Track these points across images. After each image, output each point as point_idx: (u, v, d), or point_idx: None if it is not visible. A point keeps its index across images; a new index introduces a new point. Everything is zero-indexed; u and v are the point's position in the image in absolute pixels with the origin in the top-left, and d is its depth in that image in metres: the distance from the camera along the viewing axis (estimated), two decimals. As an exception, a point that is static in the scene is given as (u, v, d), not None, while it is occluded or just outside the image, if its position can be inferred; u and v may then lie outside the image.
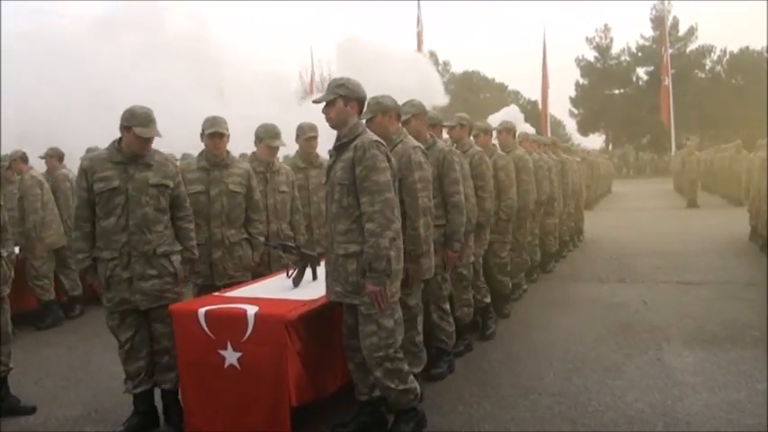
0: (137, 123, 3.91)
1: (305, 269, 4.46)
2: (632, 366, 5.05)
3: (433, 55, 51.88)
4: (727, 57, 48.58)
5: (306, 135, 5.82)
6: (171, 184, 4.08)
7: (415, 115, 4.73)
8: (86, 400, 4.77)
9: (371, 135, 3.66)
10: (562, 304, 7.28)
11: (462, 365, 5.12)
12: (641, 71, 52.56)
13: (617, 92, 53.78)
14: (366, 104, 4.21)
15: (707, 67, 49.33)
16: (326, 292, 3.80)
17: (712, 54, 49.17)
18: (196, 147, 5.00)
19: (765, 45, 45.16)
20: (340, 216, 3.63)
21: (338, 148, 3.70)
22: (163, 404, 4.19)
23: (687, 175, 20.59)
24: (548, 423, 4.06)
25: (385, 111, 4.18)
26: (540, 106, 45.85)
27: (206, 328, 3.77)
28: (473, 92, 55.94)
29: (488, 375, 4.95)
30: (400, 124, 4.33)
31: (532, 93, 52.25)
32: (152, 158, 4.05)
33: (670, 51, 40.83)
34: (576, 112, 55.84)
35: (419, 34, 41.53)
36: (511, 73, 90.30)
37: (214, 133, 4.61)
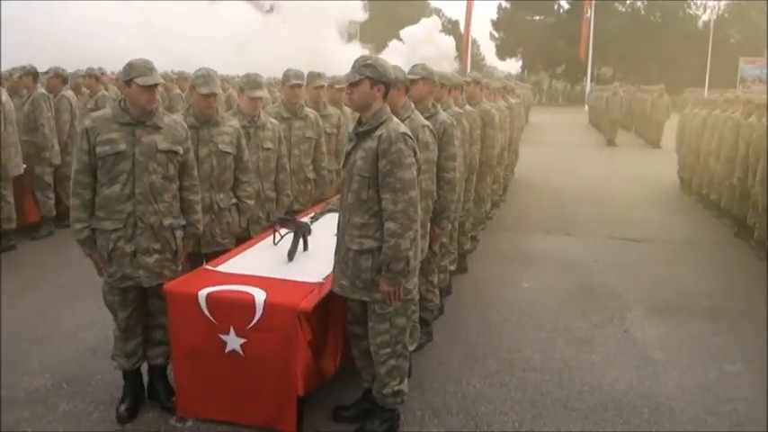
0: (137, 74, 3.51)
1: (299, 240, 4.25)
2: (602, 339, 5.21)
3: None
4: (649, -7, 49.43)
5: (290, 82, 5.46)
6: (180, 150, 3.71)
7: (423, 78, 4.47)
8: (53, 367, 4.44)
9: (398, 124, 3.41)
10: (517, 260, 7.40)
11: (441, 333, 5.11)
12: (563, 0, 52.91)
13: (537, 18, 54.01)
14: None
15: (627, 2, 50.11)
16: (332, 282, 3.62)
17: (634, -11, 49.89)
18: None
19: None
20: (356, 208, 3.42)
21: (360, 135, 3.43)
22: (149, 379, 3.96)
23: (610, 114, 21.15)
24: (540, 405, 4.12)
25: (392, 83, 3.92)
26: (463, 28, 45.71)
27: (206, 312, 3.53)
28: (396, 6, 54.63)
29: (469, 346, 4.97)
30: (407, 97, 4.08)
31: (454, 12, 51.77)
32: (161, 120, 3.66)
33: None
34: (496, 35, 55.86)
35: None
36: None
37: (209, 94, 4.17)
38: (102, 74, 10.27)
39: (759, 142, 7.61)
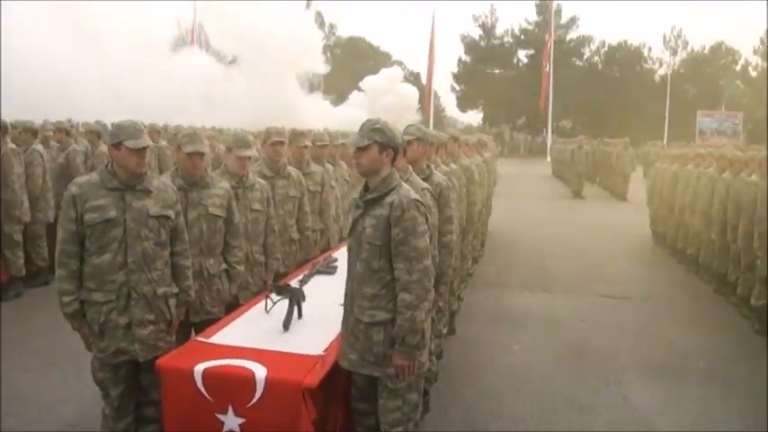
0: (126, 136, 3.33)
1: (293, 309, 4.02)
2: (603, 405, 5.06)
3: (319, 15, 50.99)
4: (606, 48, 51.09)
5: (272, 140, 5.27)
6: (172, 214, 3.52)
7: (418, 139, 4.36)
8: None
9: (408, 190, 3.25)
10: (504, 319, 7.25)
11: (438, 401, 4.88)
12: (522, 54, 54.33)
13: (497, 71, 55.22)
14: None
15: (585, 56, 51.66)
16: (339, 356, 3.40)
17: (591, 44, 51.58)
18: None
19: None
20: (367, 278, 3.23)
21: (368, 202, 3.26)
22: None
23: (576, 167, 21.43)
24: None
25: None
26: (425, 80, 46.47)
27: (203, 390, 3.26)
28: (359, 58, 55.44)
29: (469, 415, 4.77)
30: (405, 159, 3.94)
31: (415, 64, 52.67)
32: (150, 184, 3.47)
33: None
34: (457, 87, 56.87)
35: (309, -8, 40.69)
36: (397, 43, 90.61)
37: (194, 153, 3.99)
38: (72, 126, 9.95)
39: (737, 198, 7.65)
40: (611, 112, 47.39)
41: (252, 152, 4.66)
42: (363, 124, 3.29)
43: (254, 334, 3.83)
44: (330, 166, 6.60)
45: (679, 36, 50.09)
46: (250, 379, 3.22)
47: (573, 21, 51.43)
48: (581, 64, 51.60)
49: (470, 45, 54.34)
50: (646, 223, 12.87)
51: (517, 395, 5.17)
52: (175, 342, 3.70)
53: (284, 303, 4.11)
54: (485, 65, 53.89)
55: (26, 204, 7.56)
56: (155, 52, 32.89)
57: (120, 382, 3.49)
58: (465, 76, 55.01)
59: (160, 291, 3.46)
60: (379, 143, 3.21)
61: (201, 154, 4.02)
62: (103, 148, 8.81)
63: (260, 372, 3.24)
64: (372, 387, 3.42)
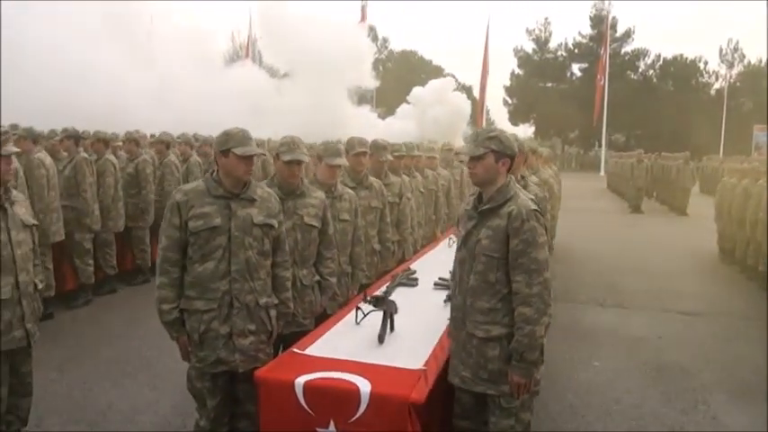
0: (235, 143, 3.34)
1: (388, 321, 4.00)
2: (693, 426, 4.90)
3: (372, 30, 51.33)
4: (661, 62, 50.18)
5: (355, 150, 5.26)
6: (275, 223, 3.53)
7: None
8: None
9: (526, 200, 3.18)
10: (580, 335, 7.09)
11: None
12: (576, 67, 53.77)
13: (550, 85, 54.72)
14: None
15: (640, 70, 50.84)
16: (450, 373, 3.35)
17: (646, 58, 50.74)
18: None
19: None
20: (482, 292, 3.17)
21: (483, 212, 3.22)
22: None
23: (635, 181, 20.99)
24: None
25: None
26: (478, 93, 46.26)
27: (304, 403, 3.25)
28: (411, 72, 55.60)
29: (558, 436, 4.67)
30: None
31: (467, 77, 52.54)
32: (255, 192, 3.49)
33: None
34: (509, 101, 56.53)
35: (363, 8, 41.00)
36: (449, 56, 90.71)
37: (292, 161, 4.00)
38: (141, 137, 10.15)
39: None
40: (665, 126, 46.46)
41: (343, 161, 4.64)
42: (478, 133, 3.26)
43: (349, 346, 3.80)
44: (406, 178, 6.59)
45: (735, 49, 49.06)
46: (354, 393, 3.19)
47: (627, 34, 50.71)
48: (635, 78, 50.82)
49: (523, 58, 54.05)
50: (710, 238, 12.53)
51: (605, 414, 5.04)
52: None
53: (373, 315, 4.11)
54: (537, 78, 53.54)
55: (97, 213, 7.74)
56: (210, 65, 33.53)
57: (218, 393, 3.50)
58: (517, 89, 54.70)
59: (262, 301, 3.47)
60: (495, 152, 3.16)
61: (300, 162, 4.00)
62: (172, 157, 8.95)
63: (364, 386, 3.20)
64: (478, 405, 3.36)
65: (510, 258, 3.09)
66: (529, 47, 54.06)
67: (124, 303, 7.75)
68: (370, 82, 41.75)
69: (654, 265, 11.24)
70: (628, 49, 51.06)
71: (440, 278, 5.48)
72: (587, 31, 52.10)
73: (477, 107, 45.25)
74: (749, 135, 39.39)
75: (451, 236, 7.66)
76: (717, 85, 49.12)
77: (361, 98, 43.22)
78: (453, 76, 57.61)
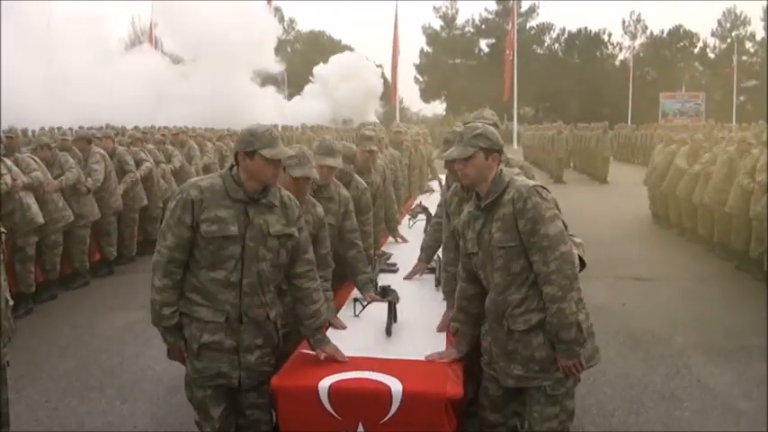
0: (262, 145, 2.99)
1: (393, 312, 3.80)
2: (682, 392, 4.95)
3: (278, 11, 50.34)
4: (566, 36, 51.64)
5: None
6: (294, 232, 3.20)
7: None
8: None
9: (524, 179, 3.05)
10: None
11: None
12: (483, 43, 54.55)
13: (459, 61, 55.37)
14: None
15: (546, 44, 52.13)
16: (500, 375, 3.14)
17: (551, 32, 52.07)
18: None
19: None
20: (510, 285, 3.00)
21: (486, 208, 3.05)
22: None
23: (556, 152, 21.50)
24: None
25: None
26: (390, 72, 46.14)
27: (329, 408, 3.02)
28: (320, 52, 54.97)
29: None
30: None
31: (379, 57, 52.36)
32: (275, 197, 3.14)
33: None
34: (420, 79, 56.88)
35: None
36: (358, 35, 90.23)
37: (302, 177, 3.66)
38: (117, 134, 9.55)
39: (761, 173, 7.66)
40: (573, 98, 47.92)
41: (335, 162, 4.24)
42: (462, 133, 3.08)
43: (358, 341, 3.59)
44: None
45: (638, 21, 51.03)
46: (385, 393, 2.98)
47: (532, 9, 51.98)
48: (541, 52, 52.06)
49: (432, 36, 54.46)
50: (638, 204, 12.99)
51: (595, 386, 5.02)
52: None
53: (369, 306, 3.90)
54: (447, 55, 54.05)
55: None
56: (108, 52, 32.14)
57: (222, 401, 3.20)
58: (427, 66, 55.08)
59: (272, 314, 3.19)
60: (484, 149, 3.01)
61: (308, 179, 3.71)
62: (97, 149, 8.27)
63: (395, 384, 3.00)
64: (506, 397, 3.21)
65: (523, 241, 2.95)
66: (437, 24, 54.48)
67: (68, 310, 7.15)
68: (275, 65, 40.95)
69: (595, 234, 11.40)
70: (533, 23, 52.21)
71: (420, 261, 5.33)
72: (493, 7, 52.88)
73: (390, 86, 45.24)
74: (656, 103, 41.12)
75: (408, 216, 7.53)
76: (621, 56, 51.07)
77: (272, 80, 42.39)
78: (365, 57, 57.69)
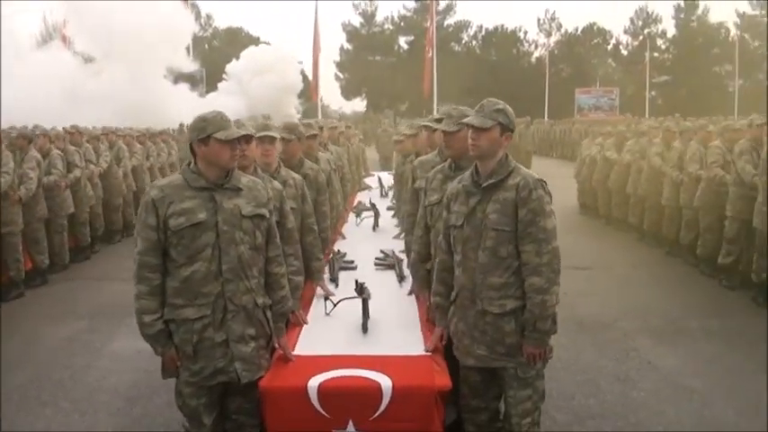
0: (215, 128, 2.94)
1: (368, 308, 3.78)
2: (635, 373, 5.15)
3: (194, 7, 49.06)
4: (483, 33, 52.60)
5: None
6: (266, 213, 3.15)
7: None
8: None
9: (529, 171, 3.14)
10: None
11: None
12: (402, 40, 54.87)
13: (379, 58, 55.51)
14: (448, 115, 3.69)
15: (463, 41, 52.95)
16: (461, 354, 3.23)
17: (469, 29, 52.88)
18: None
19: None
20: (494, 267, 3.06)
21: (487, 187, 3.09)
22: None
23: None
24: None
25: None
26: (312, 68, 45.59)
27: (319, 407, 2.99)
28: (239, 49, 53.97)
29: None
30: None
31: (298, 54, 51.81)
32: (239, 181, 3.08)
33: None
34: (341, 76, 56.69)
35: (184, -16, 39.02)
36: (277, 33, 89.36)
37: (264, 138, 3.61)
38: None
39: (692, 165, 8.06)
40: (491, 94, 48.20)
41: (276, 133, 4.22)
42: (484, 105, 3.13)
43: (336, 340, 3.58)
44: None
45: (553, 19, 52.45)
46: (375, 389, 2.98)
47: (450, 7, 52.45)
48: (459, 49, 52.80)
49: (352, 33, 54.31)
50: (563, 196, 13.31)
51: (551, 372, 5.09)
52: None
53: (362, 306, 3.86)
54: (367, 52, 54.04)
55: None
56: (16, 52, 30.59)
57: (214, 408, 3.13)
58: (348, 63, 54.93)
59: (260, 301, 3.12)
60: (501, 125, 3.07)
61: (272, 138, 3.85)
62: (33, 152, 7.89)
63: (384, 380, 3.01)
64: (485, 382, 3.28)
65: (519, 229, 3.03)
66: (356, 21, 54.44)
67: (8, 323, 6.74)
68: (190, 63, 39.79)
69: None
70: (451, 21, 52.92)
71: (377, 258, 5.34)
72: (412, 5, 53.28)
73: (312, 82, 44.78)
74: (571, 99, 42.43)
75: (352, 213, 7.52)
76: (537, 54, 52.41)
77: (190, 78, 41.32)
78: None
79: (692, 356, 5.48)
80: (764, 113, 7.68)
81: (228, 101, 38.53)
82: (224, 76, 42.58)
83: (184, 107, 32.93)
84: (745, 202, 6.97)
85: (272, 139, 4.12)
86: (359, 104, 60.42)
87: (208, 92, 42.33)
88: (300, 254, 3.90)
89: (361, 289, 3.76)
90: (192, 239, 2.94)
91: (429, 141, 4.77)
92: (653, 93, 46.13)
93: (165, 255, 2.98)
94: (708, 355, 5.52)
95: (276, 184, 3.83)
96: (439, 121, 4.10)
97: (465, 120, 3.20)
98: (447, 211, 3.30)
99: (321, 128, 6.98)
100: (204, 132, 2.95)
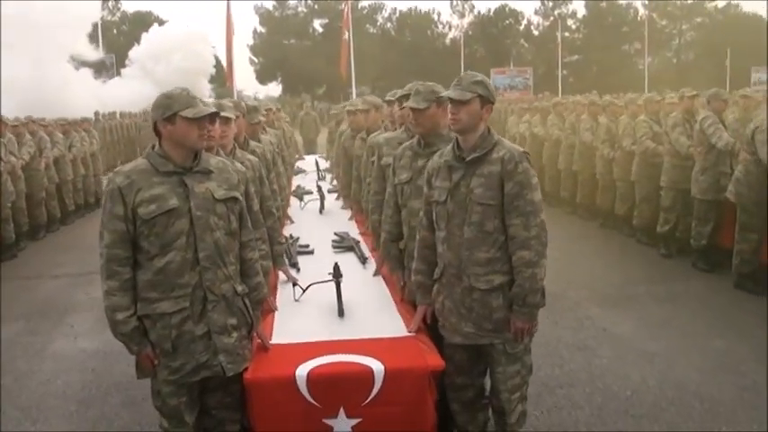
0: (181, 106, 2.71)
1: (341, 292, 3.66)
2: (593, 341, 5.26)
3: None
4: (397, 15, 52.77)
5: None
6: (238, 195, 2.95)
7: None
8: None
9: (513, 144, 3.07)
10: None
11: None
12: (317, 23, 54.35)
13: (293, 42, 54.81)
14: (416, 92, 3.57)
15: (378, 23, 52.92)
16: (448, 332, 3.15)
17: (383, 11, 52.93)
18: None
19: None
20: (480, 242, 2.98)
21: (470, 162, 3.01)
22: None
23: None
24: (611, 420, 4.02)
25: (441, 101, 3.54)
26: (225, 52, 44.21)
27: (308, 396, 2.85)
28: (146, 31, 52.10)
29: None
30: None
31: (211, 38, 50.44)
32: (208, 163, 2.87)
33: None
34: (255, 60, 55.66)
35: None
36: (188, 16, 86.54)
37: (214, 115, 3.39)
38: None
39: (623, 137, 8.28)
40: (407, 76, 48.85)
41: (233, 113, 3.99)
42: (461, 78, 3.02)
43: (312, 325, 3.43)
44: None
45: (466, 0, 53.06)
46: (366, 374, 2.86)
47: (364, -11, 52.34)
48: (374, 31, 52.76)
49: (264, 16, 53.41)
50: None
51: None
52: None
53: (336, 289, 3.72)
54: (280, 35, 53.25)
55: None
56: None
57: (196, 405, 2.95)
58: (262, 47, 53.99)
59: (239, 288, 2.94)
60: (481, 97, 2.97)
61: (227, 119, 3.67)
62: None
63: (375, 364, 2.89)
64: (471, 359, 3.23)
65: (505, 202, 2.96)
66: (269, 4, 53.51)
67: None
68: (93, 50, 37.90)
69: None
70: (365, 3, 52.77)
71: (334, 241, 5.21)
72: (325, -14, 52.77)
73: (227, 67, 43.55)
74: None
75: (293, 197, 7.33)
76: (451, 35, 52.96)
77: (99, 65, 39.51)
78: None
79: (645, 321, 5.64)
80: (670, 90, 7.96)
81: (134, 86, 36.82)
82: (126, 62, 40.76)
83: (86, 95, 31.48)
84: (680, 172, 7.24)
85: (228, 120, 3.92)
86: (274, 89, 59.60)
87: (97, 78, 40.28)
88: (267, 237, 3.74)
89: (336, 272, 3.63)
90: (165, 228, 2.72)
91: (391, 118, 4.68)
92: (565, 72, 47.40)
93: (134, 246, 2.76)
94: (659, 319, 5.69)
95: (238, 165, 3.64)
96: (405, 97, 4.01)
97: (444, 93, 3.11)
98: (428, 187, 3.21)
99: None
100: (170, 110, 2.72)
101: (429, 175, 3.21)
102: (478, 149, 2.99)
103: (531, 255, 2.94)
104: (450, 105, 3.01)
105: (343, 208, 6.80)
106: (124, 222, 2.70)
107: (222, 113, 3.72)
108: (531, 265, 2.95)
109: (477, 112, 2.98)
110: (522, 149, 3.03)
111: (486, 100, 3.00)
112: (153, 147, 2.83)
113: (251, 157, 4.15)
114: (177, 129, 2.74)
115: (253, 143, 4.78)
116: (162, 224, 2.72)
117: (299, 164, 11.00)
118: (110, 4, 50.72)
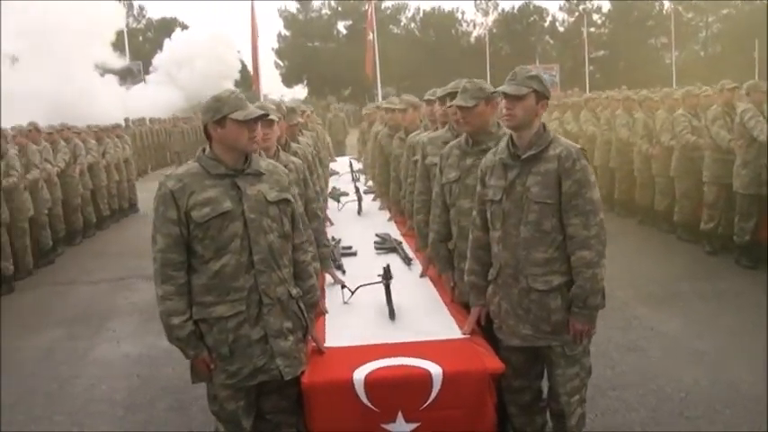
0: (231, 108, 2.70)
1: (391, 294, 3.61)
2: (643, 341, 5.16)
3: (125, -1, 47.52)
4: (421, 15, 52.59)
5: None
6: (290, 198, 2.93)
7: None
8: None
9: (569, 141, 3.00)
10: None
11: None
12: (341, 25, 54.40)
13: (318, 44, 54.92)
14: (464, 89, 3.51)
15: (402, 24, 52.80)
16: (505, 334, 3.09)
17: (407, 12, 52.80)
18: None
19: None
20: (537, 242, 2.92)
21: (526, 159, 2.93)
22: None
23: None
24: (667, 424, 3.93)
25: (489, 98, 3.49)
26: (251, 56, 44.51)
27: (366, 400, 2.81)
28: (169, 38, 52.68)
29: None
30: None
31: (238, 43, 50.81)
32: (259, 165, 2.85)
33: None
34: (281, 63, 55.89)
35: (115, -24, 37.62)
36: (214, 22, 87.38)
37: (264, 116, 3.35)
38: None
39: (662, 133, 8.13)
40: (432, 76, 48.79)
41: (276, 115, 3.95)
42: (516, 72, 2.95)
43: (365, 329, 3.39)
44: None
45: (489, -2, 52.76)
46: (424, 377, 2.82)
47: (387, -11, 52.27)
48: (398, 32, 52.64)
49: (289, 19, 53.56)
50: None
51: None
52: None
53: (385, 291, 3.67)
54: (305, 38, 53.39)
55: None
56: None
57: (253, 409, 2.93)
58: (287, 50, 54.16)
59: (293, 291, 2.90)
60: (536, 92, 2.90)
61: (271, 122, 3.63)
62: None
63: (433, 368, 2.84)
64: (528, 361, 3.16)
65: (563, 201, 2.89)
66: (293, 7, 53.67)
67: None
68: (118, 57, 38.25)
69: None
70: (388, 4, 52.72)
71: (375, 242, 5.18)
72: (348, -12, 52.84)
73: (253, 70, 43.72)
74: (513, 76, 42.90)
75: (330, 199, 7.30)
76: (475, 33, 52.65)
77: (127, 72, 39.93)
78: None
79: (691, 320, 5.54)
80: (701, 84, 7.80)
81: (157, 92, 37.15)
82: (150, 68, 41.15)
83: (112, 102, 31.82)
84: (722, 166, 7.08)
85: (271, 122, 3.90)
86: (300, 92, 59.77)
87: (122, 85, 40.68)
88: (314, 240, 3.70)
89: (386, 274, 3.58)
90: (219, 231, 2.71)
91: (431, 117, 4.64)
92: (591, 68, 46.86)
93: (188, 250, 2.74)
94: (705, 317, 5.59)
95: (282, 168, 3.62)
96: (448, 96, 3.96)
97: (499, 88, 3.03)
98: (482, 186, 3.14)
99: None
100: (220, 113, 2.71)
101: (482, 173, 3.15)
102: (534, 147, 2.93)
103: (592, 255, 2.87)
104: (504, 101, 2.94)
105: (380, 209, 6.76)
106: (178, 226, 2.69)
107: (271, 116, 3.71)
108: (591, 265, 2.88)
109: (532, 108, 2.91)
110: (578, 146, 2.96)
111: (542, 95, 2.94)
112: (203, 150, 2.81)
113: (294, 159, 4.12)
114: (228, 131, 2.72)
115: (294, 145, 4.77)
116: (216, 227, 2.70)
117: (331, 166, 11.00)
118: (135, 11, 51.30)
